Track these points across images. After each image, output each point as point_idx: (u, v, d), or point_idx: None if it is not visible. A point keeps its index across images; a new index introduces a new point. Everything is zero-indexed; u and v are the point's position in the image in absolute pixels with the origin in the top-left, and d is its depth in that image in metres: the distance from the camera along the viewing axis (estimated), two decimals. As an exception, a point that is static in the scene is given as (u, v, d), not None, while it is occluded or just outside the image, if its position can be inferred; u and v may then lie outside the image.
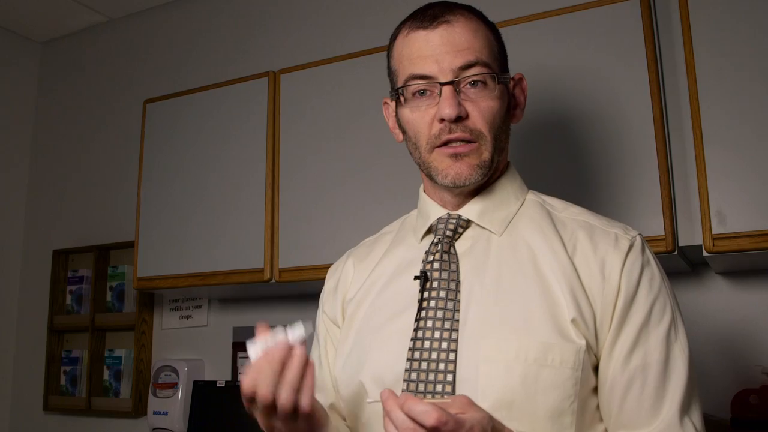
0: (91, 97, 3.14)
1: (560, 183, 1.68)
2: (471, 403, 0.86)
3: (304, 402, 0.88)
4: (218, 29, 2.81)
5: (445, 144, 1.06)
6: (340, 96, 2.08)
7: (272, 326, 0.92)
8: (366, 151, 2.01)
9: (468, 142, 1.05)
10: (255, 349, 0.90)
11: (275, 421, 0.91)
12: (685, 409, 0.98)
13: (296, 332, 0.90)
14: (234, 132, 2.25)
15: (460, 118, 1.04)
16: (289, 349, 0.89)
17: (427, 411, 0.80)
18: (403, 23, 1.12)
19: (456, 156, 1.06)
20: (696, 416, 1.00)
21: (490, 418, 0.87)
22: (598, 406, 1.02)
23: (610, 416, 1.00)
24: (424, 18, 1.07)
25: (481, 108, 1.05)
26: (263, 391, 0.87)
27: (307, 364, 0.90)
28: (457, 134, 1.04)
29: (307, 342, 0.93)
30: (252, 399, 0.89)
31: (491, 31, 1.12)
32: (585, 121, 1.69)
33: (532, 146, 1.73)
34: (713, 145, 1.52)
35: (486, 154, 1.06)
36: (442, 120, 1.04)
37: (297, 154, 2.13)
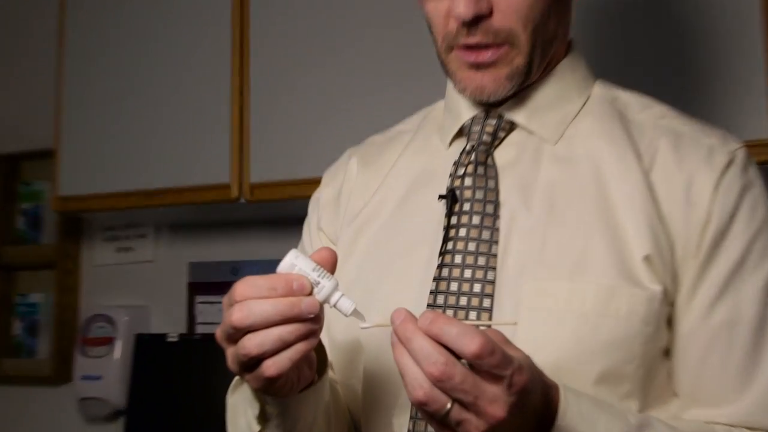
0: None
1: (636, 70, 1.59)
2: (508, 341, 0.78)
3: (268, 370, 0.80)
4: None
5: (466, 47, 0.99)
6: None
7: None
8: (362, 27, 1.87)
9: (495, 46, 0.97)
10: (289, 264, 0.82)
11: (229, 349, 0.84)
12: None
13: (344, 303, 0.83)
14: (189, 3, 2.08)
15: (481, 17, 0.95)
16: (315, 304, 0.80)
17: (468, 333, 0.70)
18: None
19: (477, 66, 0.98)
20: None
21: (533, 363, 0.80)
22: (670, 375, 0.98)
23: (682, 387, 0.95)
24: None
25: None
26: (239, 315, 0.79)
27: (311, 336, 0.81)
28: (478, 38, 0.96)
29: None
30: (230, 305, 0.81)
31: None
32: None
33: (601, 20, 1.64)
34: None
35: (519, 60, 0.98)
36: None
37: (272, 32, 1.97)
